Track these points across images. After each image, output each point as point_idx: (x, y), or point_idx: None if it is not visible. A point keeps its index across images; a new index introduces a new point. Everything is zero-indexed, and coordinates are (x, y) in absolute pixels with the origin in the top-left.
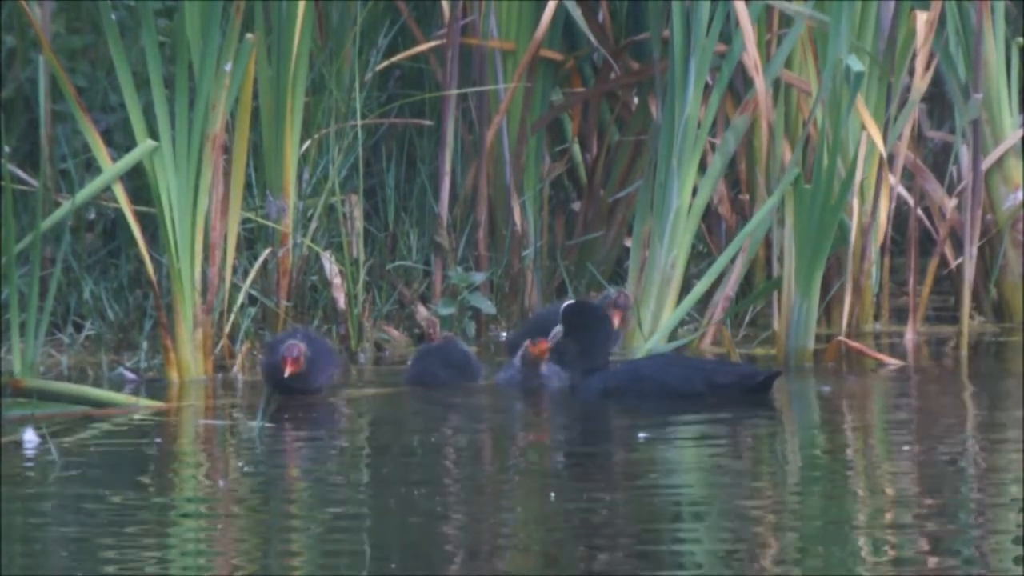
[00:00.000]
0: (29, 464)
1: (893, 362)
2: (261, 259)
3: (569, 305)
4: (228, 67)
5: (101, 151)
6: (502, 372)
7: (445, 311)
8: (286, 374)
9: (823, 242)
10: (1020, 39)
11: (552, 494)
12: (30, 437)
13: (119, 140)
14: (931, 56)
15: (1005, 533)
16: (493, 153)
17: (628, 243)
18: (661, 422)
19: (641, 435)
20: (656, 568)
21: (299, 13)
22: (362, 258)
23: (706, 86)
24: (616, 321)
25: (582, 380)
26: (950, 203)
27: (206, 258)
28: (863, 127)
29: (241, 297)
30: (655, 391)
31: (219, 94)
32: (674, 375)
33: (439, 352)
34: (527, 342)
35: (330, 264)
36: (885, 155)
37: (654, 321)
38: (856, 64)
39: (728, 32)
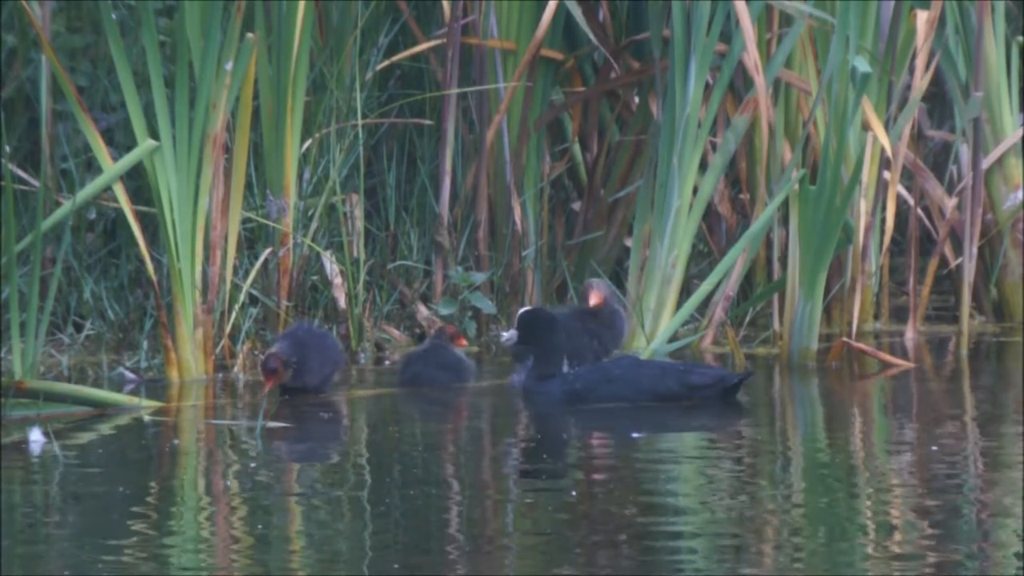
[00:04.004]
0: (34, 463)
1: (899, 363)
2: (262, 259)
3: (523, 312)
4: (229, 66)
5: (102, 150)
6: (515, 375)
7: (446, 311)
8: (265, 390)
9: (827, 243)
10: (1020, 38)
11: (573, 492)
12: (36, 437)
13: (120, 139)
14: (931, 55)
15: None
16: (493, 153)
17: (629, 243)
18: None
19: (635, 434)
20: (655, 569)
21: (299, 13)
22: (363, 258)
23: (706, 85)
24: (594, 299)
25: (536, 385)
26: (950, 203)
27: (206, 258)
28: (866, 127)
29: (242, 297)
30: (628, 392)
31: (220, 93)
32: (647, 376)
33: (432, 355)
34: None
35: (331, 264)
36: (891, 157)
37: (655, 320)
38: (863, 65)
39: (728, 31)
